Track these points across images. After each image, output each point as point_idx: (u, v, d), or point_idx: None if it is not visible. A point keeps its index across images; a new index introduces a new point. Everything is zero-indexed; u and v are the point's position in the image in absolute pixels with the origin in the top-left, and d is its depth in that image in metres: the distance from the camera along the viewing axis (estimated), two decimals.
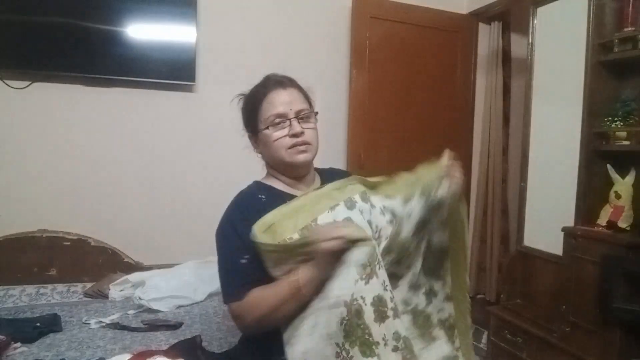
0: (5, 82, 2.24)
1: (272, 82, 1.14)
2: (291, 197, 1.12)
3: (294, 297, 0.97)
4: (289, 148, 1.10)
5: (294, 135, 1.09)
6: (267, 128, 1.11)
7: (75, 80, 2.35)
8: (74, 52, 2.28)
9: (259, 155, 1.20)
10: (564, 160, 2.19)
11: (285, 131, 1.10)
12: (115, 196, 2.46)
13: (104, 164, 2.43)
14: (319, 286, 0.96)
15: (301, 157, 1.11)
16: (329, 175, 1.25)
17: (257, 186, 1.18)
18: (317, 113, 1.18)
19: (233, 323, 1.81)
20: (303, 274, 0.97)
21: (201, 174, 2.62)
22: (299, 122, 1.10)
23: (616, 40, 1.99)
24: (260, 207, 1.08)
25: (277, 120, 1.10)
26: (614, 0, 2.04)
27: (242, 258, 1.03)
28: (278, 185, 1.16)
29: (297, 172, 1.15)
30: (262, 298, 1.00)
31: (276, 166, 1.16)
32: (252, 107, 1.16)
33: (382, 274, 1.00)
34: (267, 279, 1.02)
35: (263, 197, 1.12)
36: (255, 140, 1.18)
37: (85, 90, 2.38)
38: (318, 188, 1.13)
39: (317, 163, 1.26)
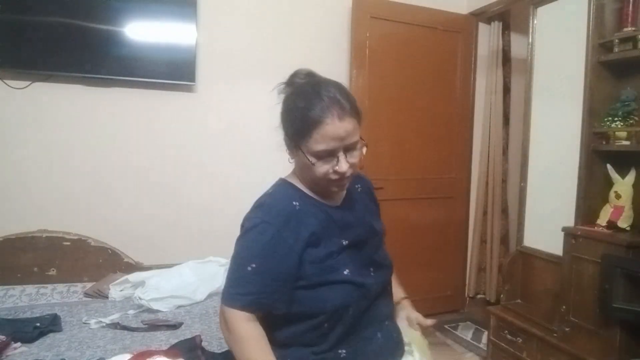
0: (5, 82, 2.24)
1: (327, 103, 0.98)
2: (324, 205, 1.08)
3: None
4: (330, 181, 1.03)
5: (339, 174, 1.01)
6: (312, 157, 1.00)
7: (75, 80, 2.35)
8: (74, 52, 2.28)
9: (291, 161, 1.10)
10: (564, 160, 2.19)
11: (330, 165, 1.00)
12: (115, 196, 2.46)
13: (104, 163, 2.43)
14: None
15: (338, 190, 1.07)
16: (352, 181, 1.17)
17: (288, 188, 1.10)
18: (366, 144, 1.08)
19: None
20: None
21: (201, 173, 2.62)
22: (346, 159, 1.00)
23: (616, 40, 1.99)
24: (294, 215, 1.03)
25: (325, 154, 0.99)
26: (614, 0, 2.04)
27: (249, 265, 0.99)
28: (306, 191, 1.10)
29: (327, 195, 1.10)
30: (241, 342, 0.99)
31: (307, 181, 1.09)
32: (300, 125, 1.00)
33: None
34: (269, 291, 0.99)
35: (297, 204, 1.05)
36: (292, 151, 1.06)
37: (85, 90, 2.38)
38: None
39: None
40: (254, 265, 0.98)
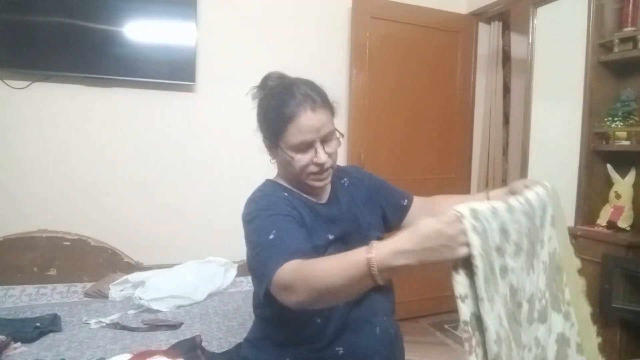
0: (5, 82, 2.24)
1: (300, 99, 1.03)
2: (310, 201, 1.10)
3: (361, 281, 0.77)
4: (310, 174, 1.05)
5: (318, 165, 1.04)
6: (291, 151, 1.04)
7: (75, 80, 2.35)
8: (74, 52, 2.28)
9: (273, 162, 1.14)
10: (564, 160, 2.19)
11: (309, 157, 1.03)
12: (115, 196, 2.46)
13: (104, 164, 2.43)
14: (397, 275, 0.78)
15: (320, 184, 1.08)
16: (337, 176, 1.21)
17: (276, 185, 1.13)
18: (342, 135, 1.11)
19: (233, 323, 1.83)
20: (383, 257, 0.74)
21: (201, 173, 2.62)
22: (324, 149, 1.04)
23: (616, 40, 1.99)
24: (285, 200, 1.05)
25: (303, 146, 1.03)
26: (614, 0, 2.04)
27: (269, 235, 0.95)
28: (292, 187, 1.12)
29: (311, 191, 1.12)
30: (316, 271, 0.83)
31: (289, 180, 1.12)
32: (275, 123, 1.05)
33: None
34: (301, 238, 0.97)
35: (286, 194, 1.08)
36: (272, 151, 1.11)
37: (85, 90, 2.38)
38: None
39: None
40: (274, 232, 0.96)
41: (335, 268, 0.81)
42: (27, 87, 2.28)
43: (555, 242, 0.88)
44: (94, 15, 2.30)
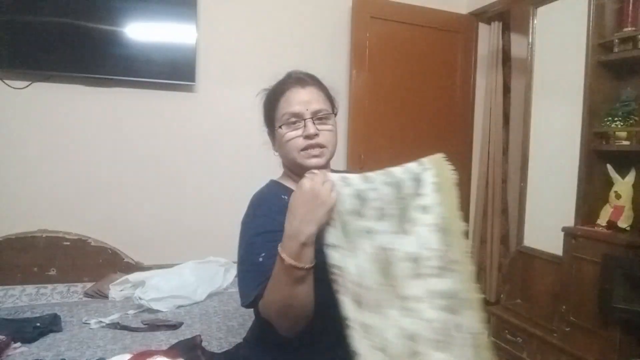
0: (5, 82, 2.24)
1: (293, 80, 1.10)
2: None
3: (293, 278, 0.87)
4: (302, 150, 1.06)
5: (308, 137, 1.04)
6: (282, 127, 1.07)
7: (75, 80, 2.35)
8: (74, 52, 2.28)
9: (276, 154, 1.15)
10: (564, 160, 2.19)
11: (300, 131, 1.05)
12: (115, 196, 2.46)
13: (104, 164, 2.43)
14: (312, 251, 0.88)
15: (313, 161, 1.06)
16: None
17: (277, 186, 1.14)
18: (336, 114, 1.14)
19: (233, 323, 1.82)
20: (287, 246, 0.87)
21: (201, 173, 2.62)
22: (314, 123, 1.05)
23: (616, 40, 1.99)
24: (283, 206, 1.03)
25: (292, 119, 1.05)
26: (614, 1, 2.04)
27: (259, 256, 0.97)
28: (294, 186, 1.11)
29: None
30: (270, 291, 0.91)
31: (290, 166, 1.13)
32: (270, 104, 1.12)
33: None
34: None
35: (285, 197, 1.05)
36: (272, 137, 1.15)
37: (85, 90, 2.38)
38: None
39: None
40: (263, 255, 0.98)
41: (275, 281, 0.90)
42: (27, 87, 2.28)
43: (441, 206, 0.96)
44: (94, 15, 2.30)
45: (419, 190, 0.96)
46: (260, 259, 0.97)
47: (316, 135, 1.05)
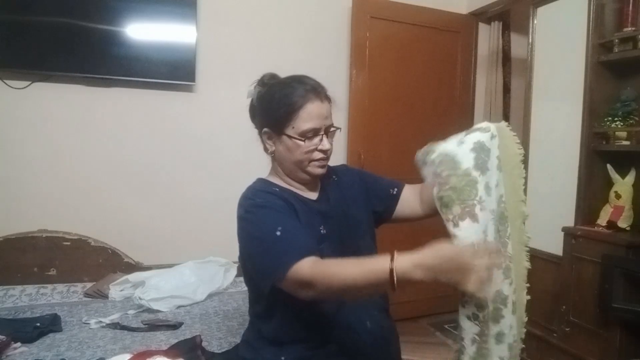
0: (5, 82, 2.24)
1: (310, 89, 1.08)
2: (300, 197, 1.12)
3: (378, 287, 0.90)
4: (314, 161, 1.10)
5: (322, 151, 1.10)
6: (299, 138, 1.07)
7: (75, 80, 2.35)
8: (74, 52, 2.28)
9: (270, 154, 1.15)
10: (564, 160, 2.19)
11: (315, 144, 1.09)
12: (115, 196, 2.46)
13: (104, 163, 2.43)
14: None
15: (320, 171, 1.12)
16: (327, 173, 1.24)
17: (265, 183, 1.16)
18: (340, 129, 1.19)
19: (233, 323, 1.82)
20: (404, 269, 0.82)
21: (201, 173, 2.62)
22: (327, 136, 1.11)
23: (616, 40, 1.99)
24: (276, 195, 1.08)
25: (310, 134, 1.07)
26: (614, 1, 2.04)
27: (276, 231, 0.96)
28: (284, 185, 1.15)
29: (309, 181, 1.15)
30: (338, 273, 0.89)
31: (289, 170, 1.13)
32: (284, 111, 1.07)
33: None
34: (312, 242, 1.00)
35: (277, 189, 1.11)
36: (273, 140, 1.12)
37: (85, 90, 2.38)
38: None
39: None
40: (280, 228, 0.97)
41: (357, 272, 0.88)
42: (27, 87, 2.28)
43: (502, 187, 0.89)
44: (94, 15, 2.30)
45: (488, 164, 0.88)
46: (279, 233, 0.96)
47: (329, 149, 1.11)
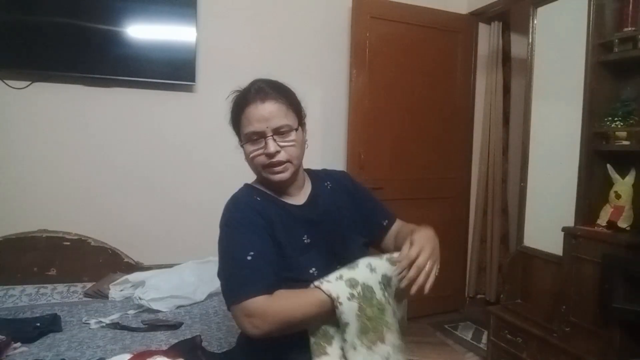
0: (5, 82, 2.24)
1: (253, 92, 1.08)
2: (284, 203, 1.12)
3: (323, 315, 0.97)
4: (265, 167, 1.08)
5: (268, 155, 1.06)
6: (246, 143, 1.09)
7: (75, 80, 2.35)
8: (74, 52, 2.28)
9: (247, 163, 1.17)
10: (564, 160, 2.19)
11: (261, 148, 1.07)
12: (115, 196, 2.46)
13: (103, 163, 2.44)
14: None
15: (277, 177, 1.09)
16: (320, 179, 1.24)
17: (250, 189, 1.16)
18: (300, 126, 1.12)
19: (233, 323, 1.82)
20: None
21: (201, 173, 2.62)
22: (275, 140, 1.05)
23: (616, 40, 1.99)
24: (258, 207, 1.07)
25: (254, 137, 1.07)
26: (614, 0, 2.04)
27: (247, 255, 0.99)
28: (267, 191, 1.14)
29: (277, 186, 1.13)
30: (286, 303, 0.97)
31: (259, 178, 1.16)
32: (233, 117, 1.13)
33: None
34: (274, 278, 1.00)
35: (258, 198, 1.11)
36: (242, 148, 1.15)
37: (85, 90, 2.38)
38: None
39: (316, 162, 1.25)
40: (252, 254, 0.99)
41: (302, 305, 0.96)
42: (27, 87, 2.28)
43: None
44: (94, 15, 2.30)
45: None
46: (249, 258, 0.98)
47: (277, 152, 1.06)
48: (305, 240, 1.08)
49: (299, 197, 1.16)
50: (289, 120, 1.08)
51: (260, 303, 0.95)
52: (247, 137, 1.07)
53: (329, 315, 0.97)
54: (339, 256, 1.10)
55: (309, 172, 1.25)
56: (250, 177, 1.21)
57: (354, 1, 2.81)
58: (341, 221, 1.16)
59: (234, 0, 2.66)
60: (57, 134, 2.35)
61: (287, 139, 1.07)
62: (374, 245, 1.26)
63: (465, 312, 3.32)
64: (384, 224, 1.26)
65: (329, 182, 1.23)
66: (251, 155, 1.08)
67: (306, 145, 1.16)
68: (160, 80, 2.46)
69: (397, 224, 1.28)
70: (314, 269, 1.05)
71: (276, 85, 1.12)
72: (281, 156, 1.06)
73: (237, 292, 0.97)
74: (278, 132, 1.06)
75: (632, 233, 1.91)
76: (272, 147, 1.05)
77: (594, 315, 1.92)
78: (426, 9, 3.02)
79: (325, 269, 1.05)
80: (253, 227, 1.03)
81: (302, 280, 1.03)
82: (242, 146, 1.13)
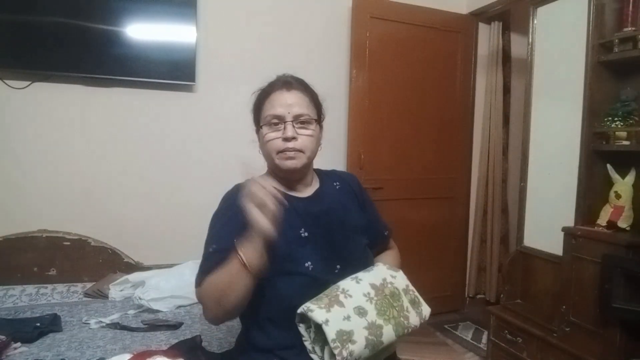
0: (5, 82, 2.24)
1: (280, 82, 1.13)
2: (288, 196, 1.11)
3: (240, 276, 0.93)
4: (280, 152, 1.08)
5: (286, 139, 1.07)
6: (262, 127, 1.11)
7: (75, 80, 2.35)
8: (74, 52, 2.28)
9: (260, 152, 1.17)
10: (564, 160, 2.19)
11: (279, 133, 1.08)
12: (115, 196, 2.46)
13: (104, 163, 2.43)
14: (263, 262, 0.93)
15: (288, 163, 1.09)
16: (329, 178, 1.24)
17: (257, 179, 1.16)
18: (321, 119, 1.17)
19: (233, 323, 1.82)
20: (245, 250, 0.93)
21: (201, 173, 2.62)
22: (294, 127, 1.08)
23: (616, 40, 1.99)
24: None
25: (274, 121, 1.08)
26: (614, 0, 2.04)
27: (210, 247, 1.05)
28: (274, 183, 1.14)
29: (288, 176, 1.14)
30: (212, 281, 0.98)
31: (270, 166, 1.16)
32: (257, 104, 1.16)
33: None
34: None
35: None
36: (258, 136, 1.17)
37: (85, 90, 2.38)
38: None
39: (316, 162, 1.25)
40: (214, 246, 1.05)
41: (224, 279, 0.96)
42: (27, 87, 2.28)
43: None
44: (94, 15, 2.30)
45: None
46: (211, 250, 1.05)
47: (294, 138, 1.07)
48: (303, 234, 1.08)
49: (304, 190, 1.17)
50: (310, 112, 1.12)
51: (197, 292, 1.03)
52: (267, 120, 1.09)
53: (241, 268, 0.94)
54: (338, 254, 1.10)
55: (318, 172, 1.26)
56: (249, 176, 1.21)
57: (354, 1, 2.82)
58: (345, 220, 1.16)
59: (234, 0, 2.66)
60: (57, 134, 2.35)
61: (305, 129, 1.10)
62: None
63: (465, 312, 3.32)
64: (385, 234, 1.30)
65: (337, 182, 1.24)
66: (267, 139, 1.09)
67: (320, 147, 1.17)
68: (160, 80, 2.46)
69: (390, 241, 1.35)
70: (309, 263, 1.05)
71: (302, 82, 1.17)
72: (297, 144, 1.08)
73: (199, 278, 1.03)
74: (298, 119, 1.09)
75: (632, 233, 1.91)
76: (290, 131, 1.07)
77: (594, 315, 1.92)
78: (426, 8, 3.03)
79: (322, 265, 1.06)
80: (227, 220, 1.06)
81: (297, 273, 1.04)
82: (257, 132, 1.15)
